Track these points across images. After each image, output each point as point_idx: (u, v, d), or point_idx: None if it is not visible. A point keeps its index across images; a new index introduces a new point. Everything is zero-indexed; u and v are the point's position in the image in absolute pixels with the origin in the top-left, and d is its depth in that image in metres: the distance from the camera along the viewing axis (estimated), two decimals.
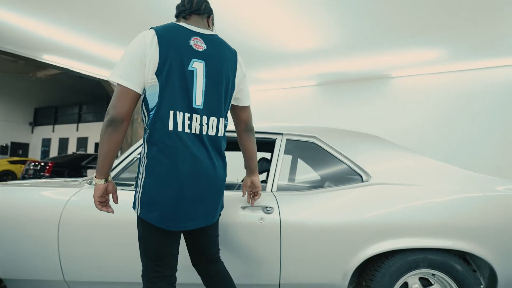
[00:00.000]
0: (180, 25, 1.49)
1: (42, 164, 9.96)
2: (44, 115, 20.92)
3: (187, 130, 1.42)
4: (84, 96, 19.84)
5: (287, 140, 2.25)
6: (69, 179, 2.82)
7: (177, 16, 1.63)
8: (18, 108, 20.29)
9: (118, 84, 1.38)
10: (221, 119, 1.53)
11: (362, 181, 2.12)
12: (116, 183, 1.94)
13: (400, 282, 1.99)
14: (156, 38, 1.39)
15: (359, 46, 5.30)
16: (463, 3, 3.96)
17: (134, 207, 1.47)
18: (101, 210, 1.51)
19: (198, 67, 1.45)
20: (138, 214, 1.45)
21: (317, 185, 2.38)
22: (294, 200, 2.06)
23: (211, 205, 1.52)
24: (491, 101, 5.80)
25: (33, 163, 10.26)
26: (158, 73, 1.38)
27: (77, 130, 18.83)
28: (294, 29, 4.83)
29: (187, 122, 1.42)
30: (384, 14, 4.29)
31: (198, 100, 1.45)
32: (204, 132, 1.47)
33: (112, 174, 2.13)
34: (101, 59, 6.41)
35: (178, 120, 1.40)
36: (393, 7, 4.11)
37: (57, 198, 2.08)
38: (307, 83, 7.53)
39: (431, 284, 2.04)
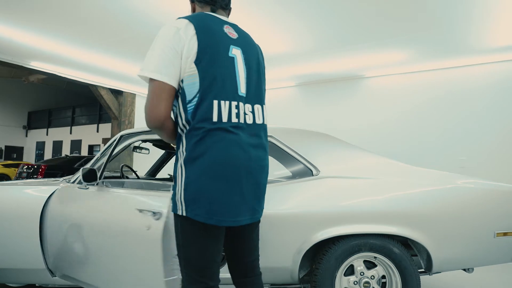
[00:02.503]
0: (211, 14, 1.44)
1: (35, 167, 10.16)
2: (37, 119, 21.07)
3: (234, 120, 1.32)
4: (77, 99, 20.01)
5: None
6: (52, 179, 3.05)
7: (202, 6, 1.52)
8: (12, 112, 20.42)
9: (151, 79, 1.26)
10: (264, 106, 1.49)
11: (312, 175, 2.35)
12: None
13: (346, 264, 2.23)
14: (192, 26, 1.31)
15: (331, 48, 5.55)
16: (422, 9, 4.22)
17: (175, 210, 1.34)
18: None
19: (237, 54, 1.38)
20: (184, 214, 1.30)
21: (272, 180, 2.62)
22: None
23: (259, 197, 1.41)
24: (458, 99, 6.09)
25: (26, 166, 10.44)
26: (197, 62, 1.28)
27: (70, 133, 18.99)
28: (265, 34, 5.06)
29: (234, 111, 1.32)
30: (352, 18, 4.53)
31: (242, 87, 1.37)
32: (252, 121, 1.39)
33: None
34: (86, 65, 6.62)
35: (223, 110, 1.29)
36: (359, 11, 4.35)
37: (38, 195, 2.31)
38: (285, 84, 7.78)
39: (375, 266, 2.28)
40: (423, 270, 2.40)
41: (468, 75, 6.03)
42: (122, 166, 2.84)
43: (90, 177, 2.28)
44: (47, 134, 20.30)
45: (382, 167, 2.45)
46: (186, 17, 1.35)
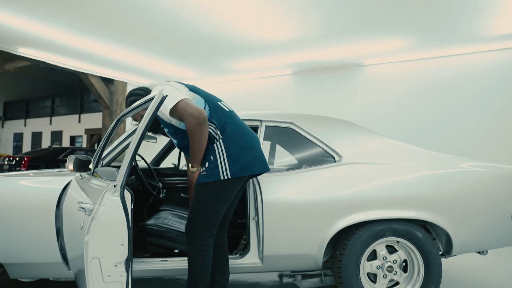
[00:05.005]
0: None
1: (18, 159, 9.79)
2: (14, 109, 20.25)
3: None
4: (56, 88, 19.30)
5: (266, 126, 2.45)
6: (56, 170, 2.93)
7: None
8: None
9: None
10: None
11: (335, 161, 2.35)
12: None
13: (369, 249, 2.25)
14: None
15: (329, 36, 5.53)
16: None
17: (213, 178, 1.88)
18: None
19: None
20: (228, 176, 1.88)
21: (294, 166, 2.61)
22: (274, 180, 2.27)
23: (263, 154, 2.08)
24: (456, 87, 6.20)
25: (7, 158, 10.05)
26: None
27: (50, 123, 18.36)
28: (266, 20, 4.99)
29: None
30: (351, 5, 4.51)
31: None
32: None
33: (104, 162, 2.27)
34: (76, 51, 6.37)
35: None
36: None
37: (52, 186, 2.21)
38: (283, 72, 7.74)
39: (396, 251, 2.31)
40: (441, 253, 2.44)
41: (468, 63, 6.10)
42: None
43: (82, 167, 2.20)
44: (25, 125, 19.56)
45: (401, 151, 2.47)
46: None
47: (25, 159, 9.63)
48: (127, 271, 1.44)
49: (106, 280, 1.40)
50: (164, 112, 1.88)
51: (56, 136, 17.82)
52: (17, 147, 19.62)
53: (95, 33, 5.59)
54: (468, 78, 6.13)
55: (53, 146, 13.57)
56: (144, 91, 2.22)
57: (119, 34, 5.63)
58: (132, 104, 2.13)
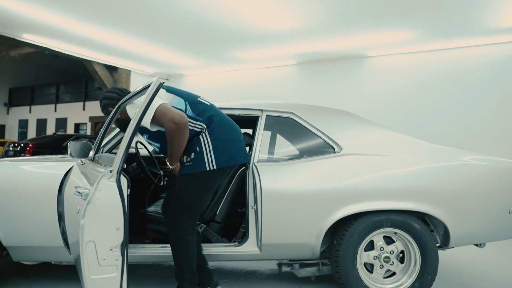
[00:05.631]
0: None
1: (22, 145, 9.86)
2: (19, 96, 20.31)
3: None
4: (61, 76, 19.32)
5: (266, 116, 2.45)
6: (59, 156, 2.96)
7: None
8: None
9: None
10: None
11: (334, 152, 2.35)
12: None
13: (367, 240, 2.26)
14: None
15: (334, 26, 5.46)
16: None
17: (198, 169, 1.96)
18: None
19: None
20: (214, 167, 1.97)
21: (294, 156, 2.61)
22: (273, 170, 2.28)
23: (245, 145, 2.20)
24: (461, 80, 6.14)
25: (12, 144, 10.13)
26: None
27: (55, 110, 18.43)
28: (271, 9, 4.95)
29: None
30: None
31: None
32: None
33: (105, 149, 2.29)
34: (80, 38, 6.36)
35: None
36: None
37: (54, 172, 2.24)
38: (287, 63, 7.69)
39: (393, 242, 2.32)
40: (438, 245, 2.45)
41: (472, 56, 6.03)
42: (137, 143, 2.77)
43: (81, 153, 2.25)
44: (30, 112, 19.64)
45: (402, 143, 2.46)
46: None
47: (30, 145, 9.71)
48: (122, 255, 1.46)
49: (101, 264, 1.42)
50: (145, 123, 1.84)
51: (61, 123, 17.90)
52: (22, 134, 19.76)
53: (99, 21, 5.57)
54: (472, 70, 6.07)
55: (58, 133, 13.65)
56: (117, 93, 2.19)
57: (124, 21, 5.60)
58: (106, 107, 2.15)
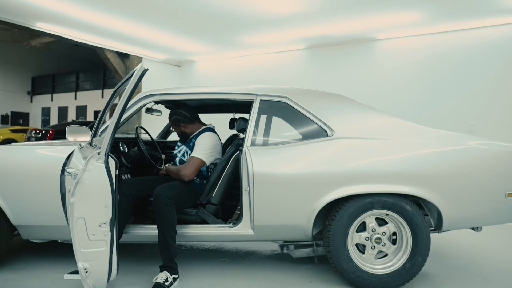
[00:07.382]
0: None
1: (43, 131, 10.25)
2: (42, 84, 20.92)
3: None
4: (81, 64, 19.74)
5: (260, 100, 2.48)
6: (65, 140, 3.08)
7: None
8: (15, 77, 20.25)
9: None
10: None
11: (327, 136, 2.37)
12: None
13: (358, 221, 2.28)
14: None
15: (344, 8, 5.38)
16: None
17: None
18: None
19: None
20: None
21: (286, 140, 2.64)
22: (265, 153, 2.33)
23: None
24: (472, 61, 5.96)
25: (34, 131, 10.54)
26: None
27: (75, 98, 18.92)
28: None
29: None
30: None
31: None
32: None
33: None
34: (93, 26, 6.49)
35: None
36: None
37: (57, 155, 2.35)
38: (296, 47, 7.63)
39: (386, 224, 2.34)
40: (433, 228, 2.46)
41: (483, 36, 5.86)
42: (137, 128, 2.86)
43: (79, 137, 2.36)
44: (52, 100, 20.24)
45: (396, 127, 2.46)
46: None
47: (50, 132, 10.07)
48: (111, 231, 1.56)
49: (91, 238, 1.53)
50: (197, 148, 2.50)
51: (81, 110, 18.38)
52: (45, 121, 20.40)
53: (110, 8, 5.66)
54: (482, 51, 5.88)
55: (78, 120, 14.05)
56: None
57: (134, 9, 5.68)
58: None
